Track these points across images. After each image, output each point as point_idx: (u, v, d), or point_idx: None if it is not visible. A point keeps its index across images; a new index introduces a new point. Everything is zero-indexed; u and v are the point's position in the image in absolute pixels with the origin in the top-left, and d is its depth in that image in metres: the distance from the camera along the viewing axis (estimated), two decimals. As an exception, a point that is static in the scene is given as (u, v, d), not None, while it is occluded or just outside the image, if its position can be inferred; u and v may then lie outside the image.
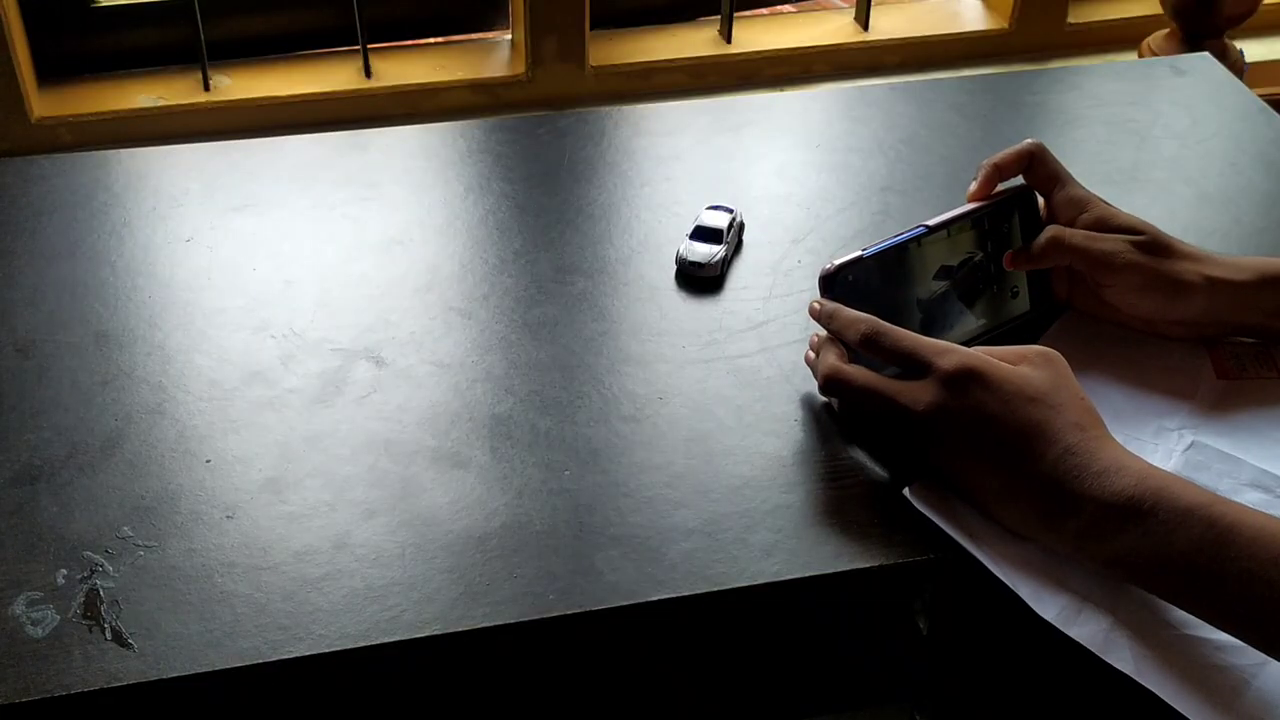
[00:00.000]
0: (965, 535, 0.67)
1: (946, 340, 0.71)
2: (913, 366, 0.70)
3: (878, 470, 0.72)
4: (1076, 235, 0.78)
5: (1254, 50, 1.81)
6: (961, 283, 0.78)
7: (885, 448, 0.73)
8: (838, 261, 0.74)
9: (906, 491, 0.70)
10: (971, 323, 0.79)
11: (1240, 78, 1.31)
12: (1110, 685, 0.79)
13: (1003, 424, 0.66)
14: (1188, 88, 1.06)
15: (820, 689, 0.75)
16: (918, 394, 0.69)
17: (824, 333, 0.75)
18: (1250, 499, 0.70)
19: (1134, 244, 0.77)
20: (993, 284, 0.80)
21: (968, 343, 0.73)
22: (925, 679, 0.75)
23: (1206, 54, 1.12)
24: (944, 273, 0.78)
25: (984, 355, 0.69)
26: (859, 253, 0.75)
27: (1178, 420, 0.75)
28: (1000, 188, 0.81)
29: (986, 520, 0.68)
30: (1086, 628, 0.65)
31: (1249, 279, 0.76)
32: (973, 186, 0.80)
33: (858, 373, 0.71)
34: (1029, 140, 0.81)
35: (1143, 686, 0.65)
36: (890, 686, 0.76)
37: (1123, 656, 0.64)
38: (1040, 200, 0.82)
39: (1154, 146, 0.99)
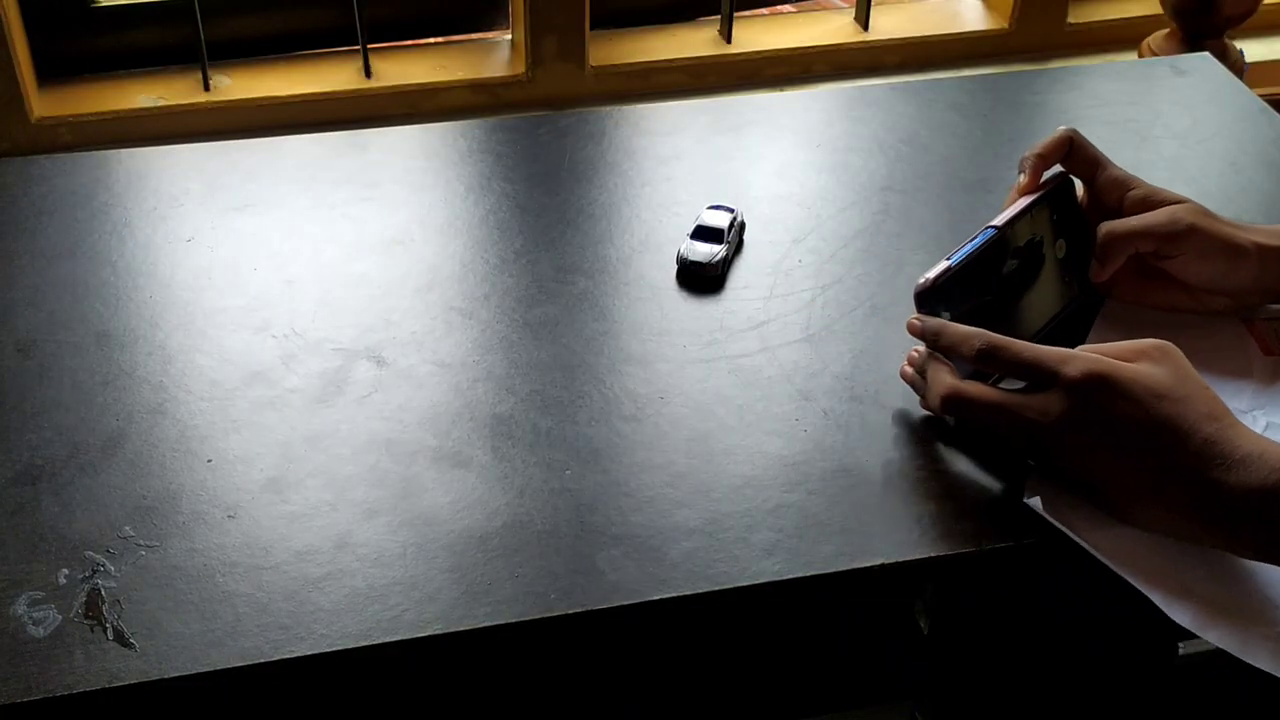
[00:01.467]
0: (1092, 544, 0.67)
1: (1018, 335, 0.71)
2: (1035, 378, 0.69)
3: (878, 469, 0.72)
4: (1130, 221, 0.78)
5: (1254, 50, 1.81)
6: (1028, 277, 0.78)
7: (885, 447, 0.73)
8: (931, 275, 0.73)
9: (1029, 501, 0.69)
10: (1039, 315, 0.79)
11: (1240, 78, 1.31)
12: (1109, 685, 0.79)
13: (1138, 425, 0.66)
14: (1188, 88, 1.06)
15: (820, 689, 0.75)
16: (1046, 406, 0.68)
17: (920, 348, 0.74)
18: None
19: (1197, 211, 0.78)
20: (1049, 275, 0.80)
21: (1041, 335, 0.74)
22: (925, 679, 0.75)
23: (1206, 54, 1.12)
24: (1014, 270, 0.78)
25: (1105, 358, 0.68)
26: (945, 263, 0.74)
27: (1245, 401, 0.75)
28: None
29: (1115, 526, 0.67)
30: (1220, 630, 0.65)
31: None
32: (1022, 179, 0.80)
33: (978, 390, 0.70)
34: (1063, 128, 0.81)
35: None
36: (890, 686, 0.76)
37: (1261, 657, 0.64)
38: (1079, 186, 0.82)
39: (1154, 146, 0.99)
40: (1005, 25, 1.81)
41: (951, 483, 0.71)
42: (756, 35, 1.79)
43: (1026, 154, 0.81)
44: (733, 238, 0.87)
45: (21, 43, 1.56)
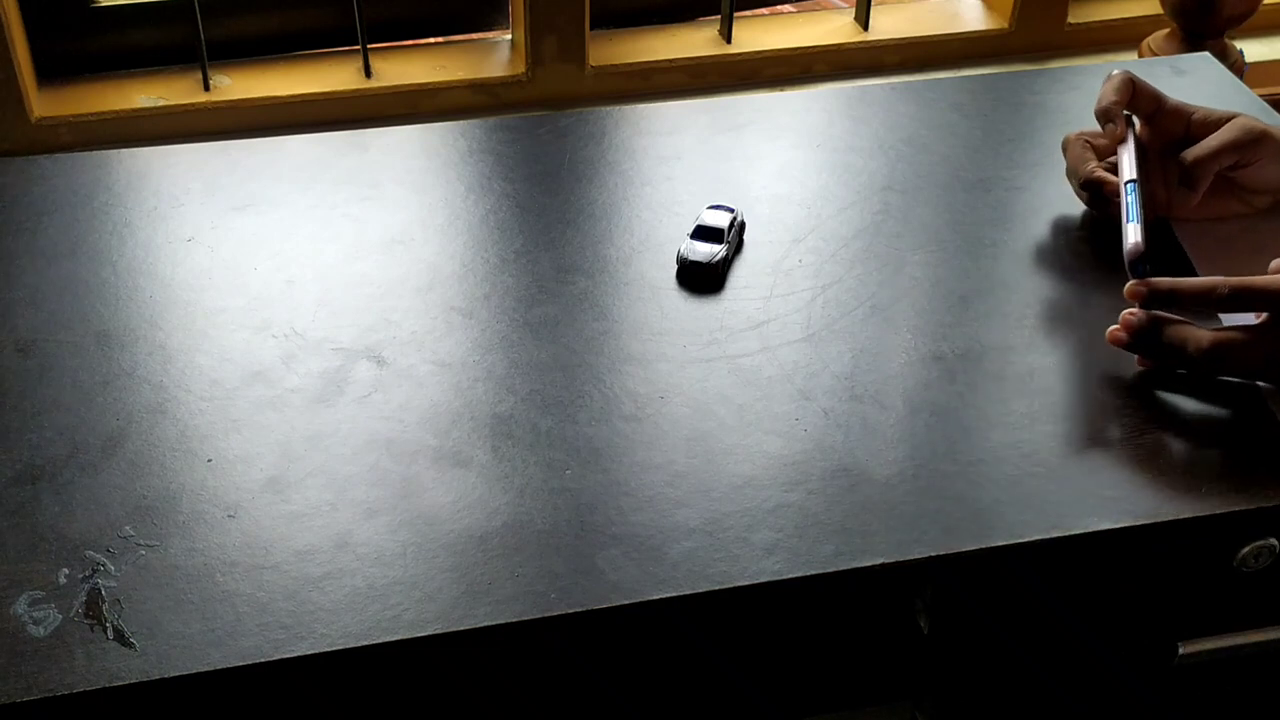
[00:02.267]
0: None
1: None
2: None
3: (878, 469, 0.72)
4: (1210, 143, 0.84)
5: (1254, 50, 1.81)
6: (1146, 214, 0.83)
7: (885, 447, 0.73)
8: (1138, 239, 0.77)
9: None
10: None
11: (1240, 78, 1.31)
12: (1109, 685, 0.79)
13: None
14: (1188, 88, 1.06)
15: (820, 689, 0.75)
16: None
17: (1137, 311, 0.77)
18: None
19: (1252, 120, 0.85)
20: (1147, 206, 0.84)
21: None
22: (925, 679, 0.75)
23: (1206, 54, 1.12)
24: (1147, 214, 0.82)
25: None
26: (1133, 224, 0.78)
27: None
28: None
29: None
30: None
31: None
32: (1115, 129, 0.86)
33: (1238, 335, 0.75)
34: (1117, 71, 0.87)
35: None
36: (890, 686, 0.76)
37: None
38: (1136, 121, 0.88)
39: (1154, 146, 0.99)
40: (1005, 25, 1.81)
41: (950, 482, 0.71)
42: (756, 35, 1.79)
43: (1102, 104, 0.86)
44: (733, 238, 0.87)
45: (21, 43, 1.56)
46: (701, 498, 0.70)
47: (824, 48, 1.78)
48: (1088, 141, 0.88)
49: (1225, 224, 0.87)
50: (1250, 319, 0.76)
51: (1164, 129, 0.88)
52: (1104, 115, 0.86)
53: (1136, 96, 0.87)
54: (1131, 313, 0.77)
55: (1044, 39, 1.83)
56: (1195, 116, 0.87)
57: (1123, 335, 0.77)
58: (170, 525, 0.68)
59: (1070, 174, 0.89)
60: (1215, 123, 0.86)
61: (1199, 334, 0.76)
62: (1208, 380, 0.77)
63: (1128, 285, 0.77)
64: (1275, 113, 1.03)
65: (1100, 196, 0.86)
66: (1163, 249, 0.85)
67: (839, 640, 0.72)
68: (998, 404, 0.76)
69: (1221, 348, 0.75)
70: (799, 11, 2.03)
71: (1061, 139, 0.90)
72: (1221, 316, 0.79)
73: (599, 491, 0.71)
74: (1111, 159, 0.87)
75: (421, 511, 0.69)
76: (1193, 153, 0.85)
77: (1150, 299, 0.77)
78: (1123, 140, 0.86)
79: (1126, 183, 0.81)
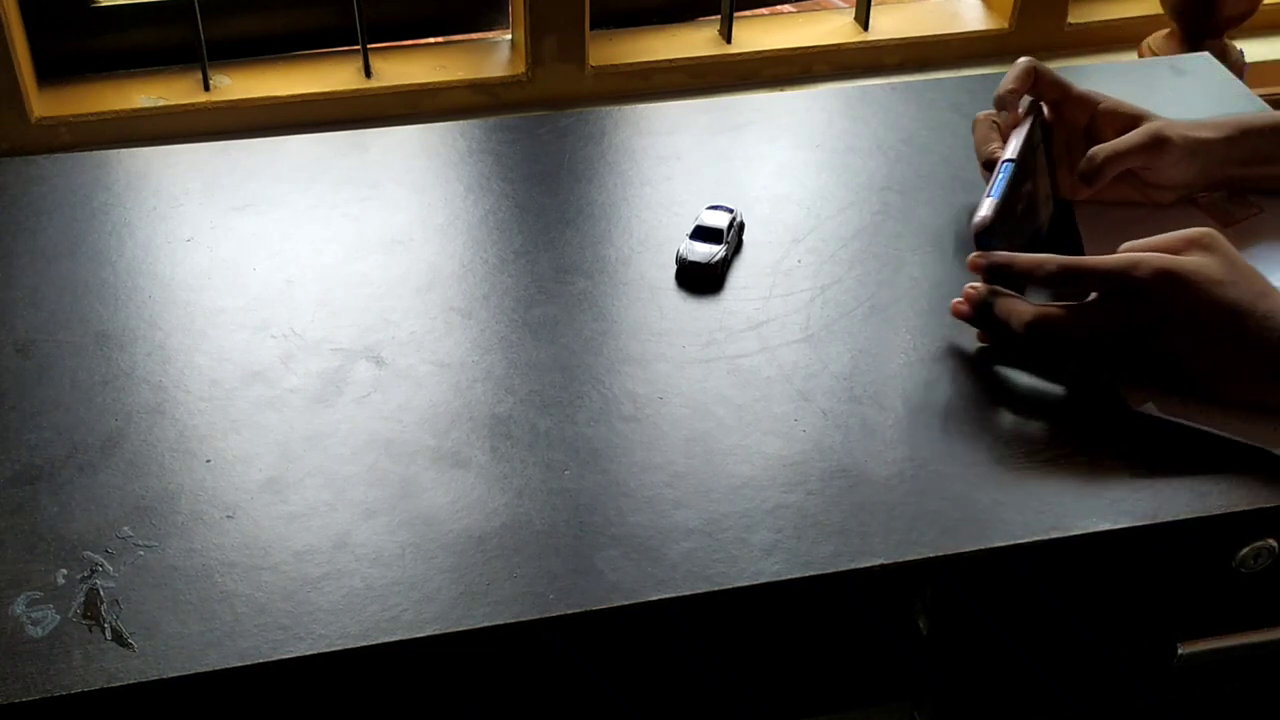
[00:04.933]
0: (1210, 425, 0.73)
1: (1036, 250, 0.77)
2: (1109, 285, 0.74)
3: (877, 469, 0.72)
4: (1117, 144, 0.86)
5: (1254, 50, 1.81)
6: (1035, 197, 0.85)
7: (884, 447, 0.73)
8: (987, 214, 0.78)
9: (1140, 408, 0.75)
10: (1041, 232, 0.86)
11: (1240, 78, 1.31)
12: (1109, 685, 0.79)
13: (1208, 312, 0.72)
14: (1188, 88, 1.06)
15: (819, 689, 0.75)
16: (1126, 309, 0.74)
17: (978, 285, 0.78)
18: None
19: (1168, 125, 0.86)
20: (1045, 191, 0.86)
21: (1044, 247, 0.79)
22: (924, 679, 0.75)
23: (1206, 54, 1.12)
24: (1026, 195, 0.83)
25: (1166, 255, 0.74)
26: (990, 199, 0.79)
27: None
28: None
29: (1223, 407, 0.74)
30: None
31: (1231, 133, 0.87)
32: (1005, 115, 0.87)
33: (1060, 311, 0.75)
34: (1022, 60, 0.88)
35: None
36: (890, 686, 0.76)
37: None
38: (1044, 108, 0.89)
39: (1154, 146, 0.99)
40: (1005, 25, 1.81)
41: (951, 483, 0.71)
42: (756, 35, 1.79)
43: (1000, 91, 0.87)
44: (732, 238, 0.87)
45: (21, 43, 1.56)
46: (700, 498, 0.70)
47: (824, 48, 1.78)
48: (995, 123, 0.89)
49: (1125, 209, 0.89)
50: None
51: (1068, 117, 0.89)
52: (999, 102, 0.87)
53: (1041, 84, 0.88)
54: (973, 286, 0.78)
55: (1044, 39, 1.83)
56: (1102, 106, 0.88)
57: (963, 308, 0.79)
58: (169, 526, 0.68)
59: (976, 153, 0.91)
60: (1121, 117, 0.88)
61: (1023, 308, 0.76)
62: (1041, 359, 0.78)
63: (969, 257, 0.78)
64: (1275, 113, 1.03)
65: None
66: (1065, 230, 0.88)
67: (838, 641, 0.72)
68: (997, 404, 0.76)
69: (1043, 323, 0.75)
70: (799, 11, 2.03)
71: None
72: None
73: (598, 492, 0.70)
74: None
75: (420, 512, 0.69)
76: (1100, 152, 0.86)
77: (987, 271, 0.78)
78: (1018, 124, 0.86)
79: (1004, 161, 0.82)
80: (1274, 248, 0.85)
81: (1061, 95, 0.89)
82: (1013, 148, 0.83)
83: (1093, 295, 0.76)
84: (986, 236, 0.78)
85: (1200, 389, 0.74)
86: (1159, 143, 0.85)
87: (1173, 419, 0.74)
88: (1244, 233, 0.86)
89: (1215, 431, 0.73)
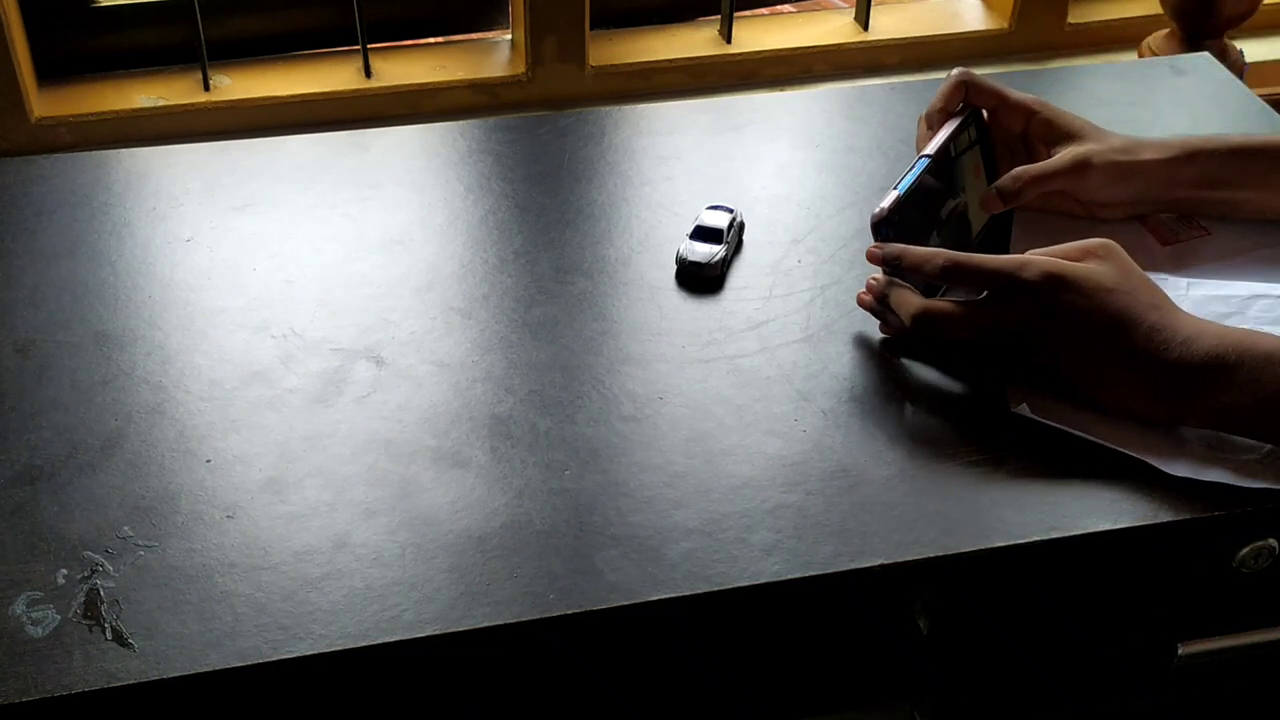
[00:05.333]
0: (1082, 430, 0.73)
1: (961, 249, 0.76)
2: (996, 285, 0.74)
3: (877, 469, 0.72)
4: (1040, 167, 0.85)
5: (1254, 50, 1.81)
6: (959, 197, 0.84)
7: (884, 447, 0.73)
8: (885, 205, 0.78)
9: (1017, 410, 0.74)
10: (971, 233, 0.85)
11: (1240, 78, 1.31)
12: (1109, 685, 0.79)
13: (1092, 317, 0.73)
14: (1188, 88, 1.06)
15: (819, 689, 0.75)
16: (1011, 309, 0.74)
17: (879, 276, 0.79)
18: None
19: (1094, 148, 0.85)
20: (975, 194, 0.86)
21: (974, 247, 0.80)
22: (924, 679, 0.75)
23: (1206, 54, 1.12)
24: (947, 194, 0.83)
25: (1057, 259, 0.74)
26: (894, 192, 0.78)
27: (1168, 285, 0.81)
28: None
29: (1098, 413, 0.73)
30: (1216, 470, 0.71)
31: (1177, 155, 0.86)
32: (923, 130, 0.87)
33: (946, 305, 0.76)
34: (955, 71, 0.87)
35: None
36: (890, 686, 0.76)
37: (1266, 477, 0.70)
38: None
39: (1154, 146, 0.99)
40: (1005, 25, 1.81)
41: (950, 482, 0.71)
42: (756, 35, 1.79)
43: (929, 110, 0.87)
44: (732, 238, 0.87)
45: (21, 43, 1.56)
46: (700, 498, 0.70)
47: (824, 48, 1.78)
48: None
49: (1064, 220, 0.88)
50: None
51: (1004, 124, 0.88)
52: (928, 121, 0.87)
53: (977, 94, 0.87)
54: (875, 278, 0.80)
55: (1044, 39, 1.83)
56: (1038, 116, 0.87)
57: (866, 298, 0.80)
58: (169, 526, 0.68)
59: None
60: (1055, 130, 0.87)
61: (912, 300, 0.77)
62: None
63: (868, 248, 0.79)
64: (1275, 113, 1.03)
65: None
66: (1003, 233, 0.88)
67: (838, 641, 0.72)
68: (996, 404, 0.76)
69: (929, 316, 0.76)
70: (799, 11, 2.03)
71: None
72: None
73: (598, 492, 0.70)
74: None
75: (420, 512, 0.69)
76: (1023, 174, 0.85)
77: (882, 262, 0.78)
78: (940, 125, 0.85)
79: (920, 156, 0.82)
80: (1210, 269, 0.85)
81: (998, 102, 0.88)
82: (933, 145, 0.83)
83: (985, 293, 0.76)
84: (884, 228, 0.78)
85: (1079, 395, 0.74)
86: (1080, 168, 0.85)
87: (1046, 422, 0.73)
88: (1183, 253, 0.86)
89: (1086, 437, 0.72)
